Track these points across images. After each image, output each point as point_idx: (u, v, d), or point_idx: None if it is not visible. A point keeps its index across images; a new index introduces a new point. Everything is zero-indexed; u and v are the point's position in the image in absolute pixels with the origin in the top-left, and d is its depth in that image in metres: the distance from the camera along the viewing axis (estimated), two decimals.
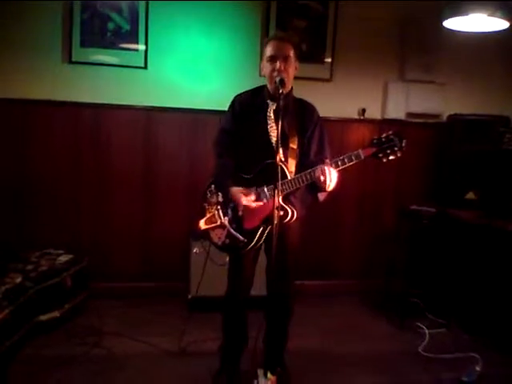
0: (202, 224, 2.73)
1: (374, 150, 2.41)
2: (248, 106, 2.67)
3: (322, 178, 2.38)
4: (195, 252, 3.84)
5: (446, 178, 4.35)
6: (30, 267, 3.51)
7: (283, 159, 2.53)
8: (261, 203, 2.54)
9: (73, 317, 3.65)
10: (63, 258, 3.75)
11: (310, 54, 4.27)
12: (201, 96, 4.13)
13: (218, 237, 2.69)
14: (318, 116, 2.77)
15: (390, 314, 4.02)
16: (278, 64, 2.51)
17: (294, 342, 3.09)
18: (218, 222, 2.67)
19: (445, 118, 4.48)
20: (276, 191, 2.24)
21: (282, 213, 2.48)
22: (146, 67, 4.04)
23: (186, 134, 4.17)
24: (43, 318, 3.41)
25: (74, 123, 4.01)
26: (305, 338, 3.51)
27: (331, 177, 2.38)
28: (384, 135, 2.43)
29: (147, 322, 3.73)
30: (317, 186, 2.47)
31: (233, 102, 2.74)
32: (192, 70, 4.14)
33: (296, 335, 3.25)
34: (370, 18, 4.32)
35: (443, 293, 4.07)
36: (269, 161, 2.47)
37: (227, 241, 2.66)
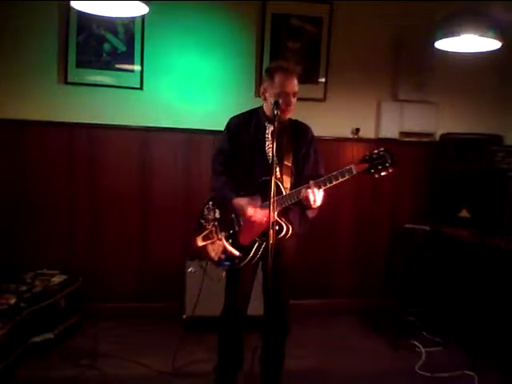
0: (200, 240, 2.80)
1: (366, 166, 2.50)
2: (245, 127, 2.78)
3: (306, 198, 2.50)
4: (190, 271, 3.83)
5: (440, 197, 4.38)
6: (24, 288, 3.50)
7: (279, 176, 2.66)
8: (263, 215, 2.57)
9: (67, 338, 3.62)
10: (57, 279, 3.73)
11: (304, 75, 4.30)
12: (196, 116, 4.16)
13: (215, 252, 2.76)
14: (312, 135, 2.89)
15: (386, 333, 4.00)
16: (289, 100, 2.64)
17: (290, 362, 3.07)
18: (215, 238, 2.75)
19: (438, 136, 4.52)
20: (272, 207, 2.33)
21: (277, 227, 2.54)
22: (141, 88, 4.07)
23: (181, 154, 4.19)
24: (37, 339, 3.38)
25: (70, 144, 4.02)
26: (301, 359, 3.49)
27: (315, 197, 2.49)
28: (375, 151, 2.49)
29: (141, 343, 3.70)
30: (303, 204, 2.57)
31: (228, 124, 2.84)
32: (187, 90, 4.17)
33: (292, 355, 3.22)
34: (363, 38, 4.40)
35: (439, 311, 4.07)
36: (266, 177, 2.56)
37: (222, 256, 2.72)
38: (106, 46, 4.01)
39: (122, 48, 4.03)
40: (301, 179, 2.69)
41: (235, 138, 2.78)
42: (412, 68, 4.49)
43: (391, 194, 4.55)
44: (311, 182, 2.51)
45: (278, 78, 2.63)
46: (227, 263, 2.73)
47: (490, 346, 3.61)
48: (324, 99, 4.39)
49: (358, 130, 4.44)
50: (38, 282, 3.63)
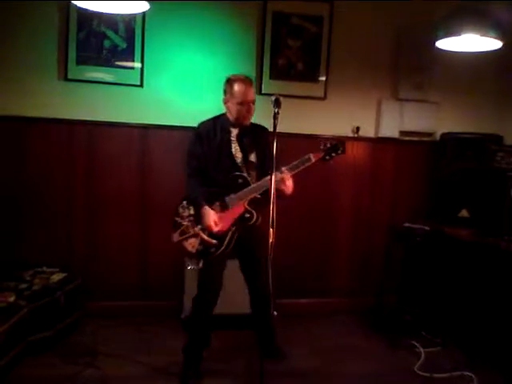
0: (176, 236, 3.11)
1: (321, 154, 3.05)
2: (213, 131, 3.14)
3: (282, 179, 2.93)
4: (190, 268, 3.84)
5: (440, 196, 4.37)
6: (23, 286, 3.50)
7: (248, 170, 3.11)
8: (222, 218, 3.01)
9: (66, 336, 3.62)
10: (56, 277, 3.72)
11: (305, 73, 4.32)
12: (196, 114, 4.09)
13: (192, 245, 3.07)
14: (268, 134, 3.09)
15: (385, 333, 4.01)
16: (249, 107, 3.07)
17: (287, 362, 3.08)
18: (191, 232, 3.05)
19: (438, 136, 4.52)
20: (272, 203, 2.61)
21: (247, 215, 3.04)
22: (141, 85, 4.06)
23: (181, 152, 4.14)
24: (36, 337, 3.38)
25: (69, 141, 4.01)
26: (298, 358, 3.50)
27: (290, 180, 2.96)
28: (330, 143, 3.08)
29: (141, 342, 3.69)
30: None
31: (198, 129, 3.20)
32: (187, 88, 4.16)
33: (289, 355, 3.24)
34: (363, 37, 4.39)
35: (438, 311, 4.08)
36: (236, 173, 3.05)
37: (200, 247, 3.04)
38: (107, 43, 3.99)
39: (122, 45, 4.01)
40: (263, 172, 3.06)
41: (203, 141, 3.12)
42: (412, 67, 4.49)
43: (390, 193, 4.55)
44: (283, 168, 2.96)
45: (238, 88, 3.04)
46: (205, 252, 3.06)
47: (489, 346, 3.61)
48: (324, 97, 4.38)
49: (358, 128, 4.41)
50: (37, 280, 3.63)
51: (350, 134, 4.41)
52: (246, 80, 3.09)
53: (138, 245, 4.18)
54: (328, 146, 3.07)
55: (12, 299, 3.28)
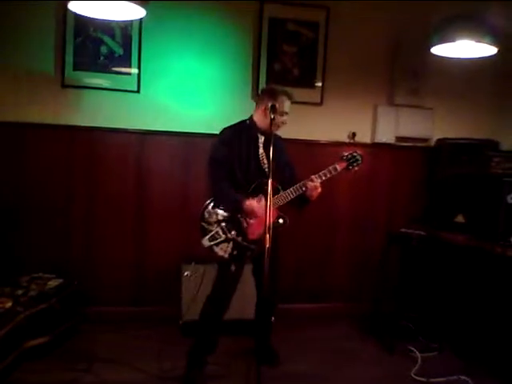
0: (206, 241, 3.08)
1: (345, 164, 3.17)
2: (238, 137, 3.15)
3: (315, 186, 3.04)
4: (186, 275, 3.83)
5: (435, 201, 4.39)
6: (20, 292, 3.48)
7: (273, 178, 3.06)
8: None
9: (63, 342, 3.60)
10: (53, 283, 3.71)
11: (301, 79, 4.34)
12: (193, 120, 4.16)
13: (223, 251, 3.07)
14: (284, 142, 3.38)
15: (382, 338, 4.01)
16: (285, 119, 3.15)
17: (285, 366, 3.08)
18: (223, 237, 3.06)
19: (433, 141, 4.54)
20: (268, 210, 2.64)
21: (281, 221, 3.12)
22: (138, 91, 4.07)
23: (178, 157, 4.19)
24: (33, 343, 3.36)
25: (66, 147, 4.02)
26: (296, 363, 3.50)
27: (319, 187, 3.06)
28: (350, 153, 3.21)
29: (138, 347, 3.68)
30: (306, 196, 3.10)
31: (223, 135, 3.19)
32: (184, 93, 4.17)
33: (286, 359, 3.23)
34: (359, 43, 4.42)
35: (435, 316, 4.08)
36: (263, 179, 3.02)
37: (235, 252, 3.07)
38: (103, 49, 4.01)
39: (119, 51, 4.03)
40: (285, 178, 3.19)
41: (230, 147, 3.11)
42: (408, 73, 4.51)
43: (387, 198, 4.57)
44: (313, 176, 3.06)
45: (283, 102, 3.11)
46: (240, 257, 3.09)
47: (486, 351, 3.62)
48: (321, 103, 4.40)
49: (354, 134, 4.45)
50: (34, 286, 3.61)
51: (347, 140, 4.45)
52: (290, 94, 3.18)
53: (135, 250, 4.18)
54: (349, 156, 3.20)
55: (9, 305, 3.26)
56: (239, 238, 3.07)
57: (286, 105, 3.13)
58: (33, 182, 3.96)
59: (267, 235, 2.58)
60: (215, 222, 3.09)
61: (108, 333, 3.86)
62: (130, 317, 4.11)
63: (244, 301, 3.46)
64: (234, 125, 3.23)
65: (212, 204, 3.12)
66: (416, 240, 4.01)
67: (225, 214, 3.10)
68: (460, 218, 4.11)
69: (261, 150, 3.18)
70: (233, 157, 3.11)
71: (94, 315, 3.99)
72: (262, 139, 3.19)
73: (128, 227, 4.15)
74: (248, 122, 3.23)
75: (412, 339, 3.96)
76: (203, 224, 3.11)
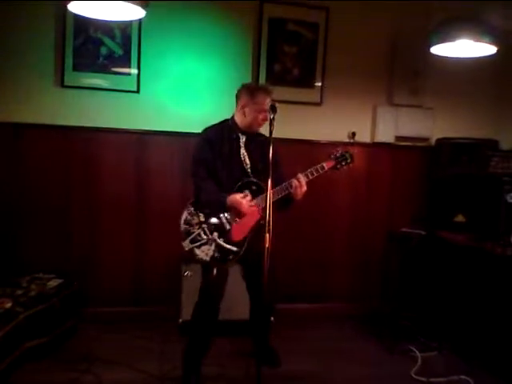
0: (187, 244, 2.99)
1: (333, 163, 3.15)
2: (221, 137, 3.12)
3: (301, 185, 3.00)
4: (186, 275, 3.83)
5: (435, 201, 4.39)
6: (19, 292, 3.48)
7: (256, 178, 3.09)
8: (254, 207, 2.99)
9: (63, 342, 3.61)
10: (53, 283, 3.71)
11: (301, 79, 4.34)
12: (192, 120, 4.15)
13: (205, 253, 2.97)
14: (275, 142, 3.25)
15: (382, 338, 4.01)
16: (265, 116, 2.99)
17: (284, 366, 3.07)
18: (205, 239, 2.96)
19: (433, 141, 4.54)
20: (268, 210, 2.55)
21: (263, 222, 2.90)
22: (138, 91, 4.07)
23: (177, 158, 4.19)
24: (33, 343, 3.36)
25: (66, 147, 4.01)
26: (296, 363, 3.50)
27: (305, 186, 3.02)
28: (339, 152, 3.19)
29: (138, 348, 3.68)
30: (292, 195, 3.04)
31: (205, 134, 3.15)
32: (184, 94, 4.18)
33: (286, 359, 3.23)
34: (358, 43, 4.42)
35: (435, 315, 4.08)
36: (247, 179, 3.07)
37: (217, 254, 2.97)
38: (103, 50, 4.00)
39: (118, 51, 4.03)
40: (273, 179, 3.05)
41: (213, 147, 3.08)
42: (407, 73, 4.51)
43: (387, 198, 4.57)
44: (299, 175, 3.03)
45: (263, 98, 3.03)
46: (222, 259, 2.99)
47: (486, 351, 3.62)
48: (320, 103, 4.40)
49: (354, 134, 4.44)
50: (33, 286, 3.61)
51: (346, 140, 4.44)
52: (269, 90, 3.12)
53: (134, 250, 4.18)
54: (338, 155, 3.17)
55: (8, 305, 3.26)
56: (221, 240, 2.97)
57: (266, 101, 3.00)
58: (33, 182, 3.96)
59: (267, 235, 2.51)
60: (197, 224, 3.00)
61: (108, 333, 3.87)
62: (130, 317, 4.10)
63: (239, 301, 3.45)
64: (217, 124, 3.20)
65: (194, 206, 3.05)
66: (416, 240, 4.01)
67: (207, 215, 3.00)
68: (460, 218, 4.12)
69: (242, 150, 3.14)
70: (216, 156, 3.08)
71: (94, 315, 4.00)
72: (243, 139, 3.15)
73: (128, 227, 4.15)
74: (230, 121, 3.19)
75: (412, 339, 3.96)
76: (185, 226, 3.02)
